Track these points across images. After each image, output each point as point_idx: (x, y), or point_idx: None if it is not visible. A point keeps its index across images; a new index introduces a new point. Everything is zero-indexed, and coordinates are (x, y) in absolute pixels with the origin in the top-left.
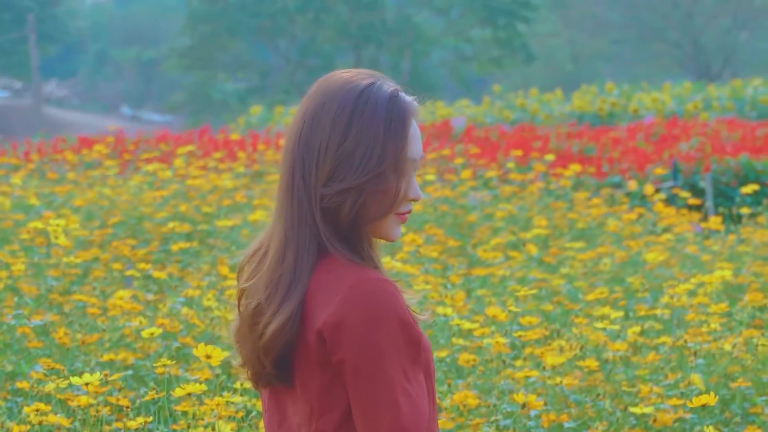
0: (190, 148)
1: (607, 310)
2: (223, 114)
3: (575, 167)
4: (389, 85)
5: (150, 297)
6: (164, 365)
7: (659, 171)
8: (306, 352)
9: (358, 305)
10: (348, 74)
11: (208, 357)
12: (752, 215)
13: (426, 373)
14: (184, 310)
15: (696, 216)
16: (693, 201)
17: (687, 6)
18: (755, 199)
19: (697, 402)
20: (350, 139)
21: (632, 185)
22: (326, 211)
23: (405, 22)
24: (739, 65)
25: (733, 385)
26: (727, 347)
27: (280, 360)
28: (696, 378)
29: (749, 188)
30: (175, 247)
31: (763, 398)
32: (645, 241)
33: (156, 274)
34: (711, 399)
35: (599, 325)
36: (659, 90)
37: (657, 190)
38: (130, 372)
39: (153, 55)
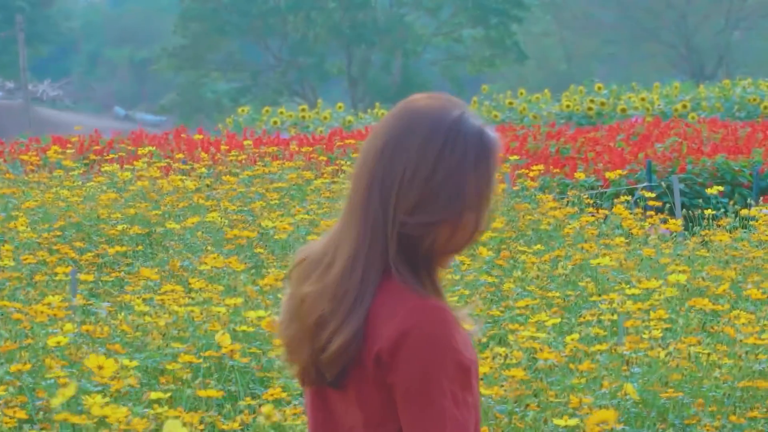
0: (150, 148)
1: (543, 316)
2: (216, 114)
3: (538, 167)
4: (476, 119)
5: (76, 302)
6: (58, 376)
7: (620, 173)
8: (363, 372)
9: (414, 331)
10: (435, 101)
11: (100, 368)
12: (715, 217)
13: (474, 392)
14: (121, 315)
15: (658, 219)
16: (654, 203)
17: (680, 6)
18: (731, 199)
19: (594, 419)
20: (440, 173)
21: (579, 175)
22: (404, 237)
23: (397, 21)
24: (733, 65)
25: (663, 395)
26: (662, 355)
27: (341, 373)
28: (629, 387)
29: (714, 189)
30: (111, 251)
31: (696, 409)
32: (604, 243)
33: (83, 277)
34: (611, 415)
35: (525, 333)
36: (649, 90)
37: (631, 192)
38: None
39: (146, 55)
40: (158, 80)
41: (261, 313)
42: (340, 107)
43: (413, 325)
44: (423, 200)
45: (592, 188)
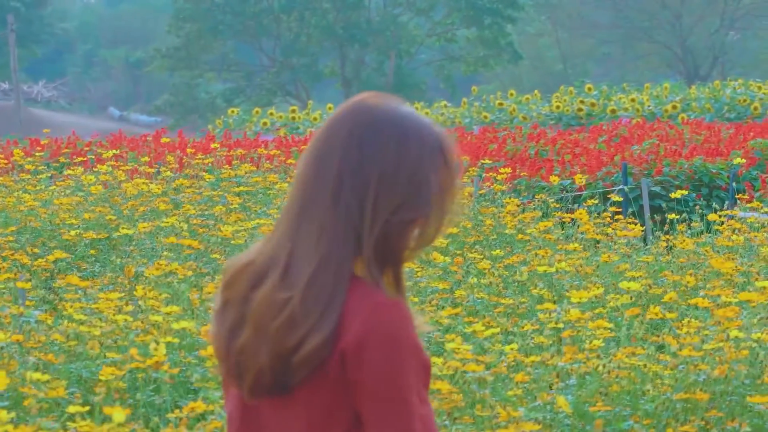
0: (115, 151)
1: (479, 326)
2: (210, 115)
3: (506, 170)
4: (425, 117)
5: (9, 311)
6: None
7: (581, 177)
8: (322, 369)
9: (380, 328)
10: (387, 99)
11: None
12: (680, 221)
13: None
14: (59, 324)
15: (620, 224)
16: (615, 208)
17: (675, 6)
18: (708, 202)
19: None
20: (421, 170)
21: (553, 179)
22: (384, 235)
23: (390, 22)
24: (728, 65)
25: (593, 408)
26: (596, 366)
27: (307, 375)
28: (561, 400)
29: (678, 193)
30: (51, 258)
31: (630, 423)
32: (565, 249)
33: (20, 284)
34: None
35: (450, 345)
36: (640, 91)
37: (605, 194)
38: None
39: (141, 55)
40: (153, 81)
41: (185, 323)
42: (330, 108)
43: (379, 322)
44: (407, 198)
45: (568, 191)
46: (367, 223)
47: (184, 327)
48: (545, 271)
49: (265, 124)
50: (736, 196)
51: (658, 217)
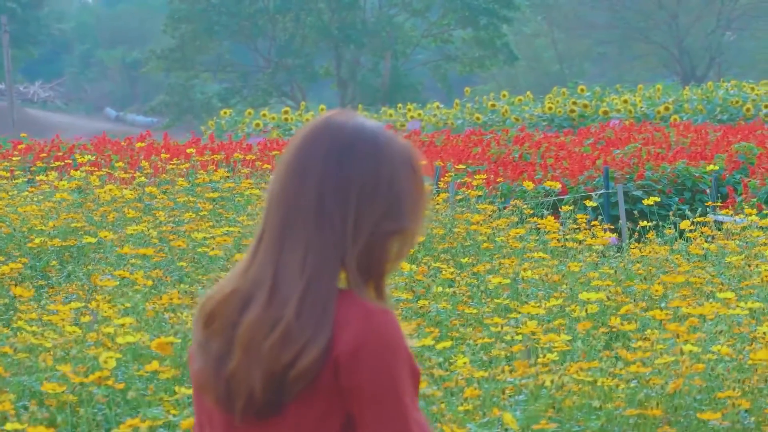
0: (90, 157)
1: (428, 340)
2: (205, 115)
3: (481, 176)
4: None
5: None
6: None
7: (551, 183)
8: (314, 381)
9: (374, 335)
10: (354, 114)
11: None
12: (656, 227)
13: None
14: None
15: (589, 231)
16: (582, 216)
17: (671, 7)
18: (691, 207)
19: None
20: (399, 181)
21: (527, 184)
22: (368, 248)
23: (386, 22)
24: (725, 66)
25: (536, 426)
26: (547, 381)
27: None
28: (507, 417)
29: (651, 200)
30: (6, 269)
31: None
32: (536, 257)
33: None
34: None
35: None
36: (633, 92)
37: (585, 199)
38: None
39: (137, 56)
40: (150, 81)
41: (130, 337)
42: (322, 109)
43: (374, 329)
44: (387, 210)
45: (551, 195)
46: (350, 238)
47: (130, 341)
48: (500, 282)
49: (257, 125)
50: (708, 204)
51: (634, 224)
